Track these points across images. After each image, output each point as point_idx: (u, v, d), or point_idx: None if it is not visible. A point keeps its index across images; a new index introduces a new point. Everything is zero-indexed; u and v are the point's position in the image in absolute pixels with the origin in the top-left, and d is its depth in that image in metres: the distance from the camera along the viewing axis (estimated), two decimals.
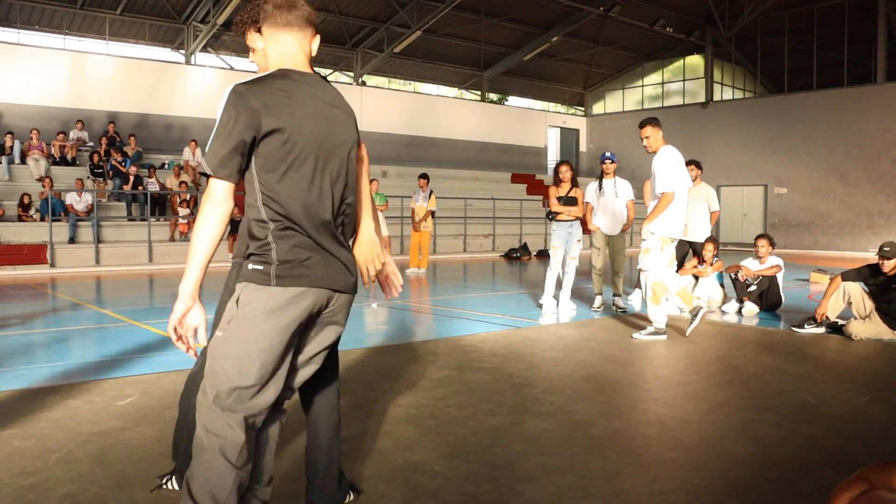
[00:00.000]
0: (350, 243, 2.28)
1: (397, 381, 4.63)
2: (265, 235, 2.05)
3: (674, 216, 6.37)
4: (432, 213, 13.33)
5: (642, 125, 6.53)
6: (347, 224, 2.22)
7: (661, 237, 6.38)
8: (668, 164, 6.35)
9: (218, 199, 1.99)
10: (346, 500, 2.73)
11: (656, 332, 6.33)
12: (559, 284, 8.32)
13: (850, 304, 6.56)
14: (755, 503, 2.78)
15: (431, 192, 13.30)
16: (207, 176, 2.01)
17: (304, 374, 2.25)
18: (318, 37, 2.21)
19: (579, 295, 9.30)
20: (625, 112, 28.81)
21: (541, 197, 22.21)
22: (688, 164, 9.17)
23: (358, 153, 2.29)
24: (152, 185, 16.10)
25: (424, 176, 13.35)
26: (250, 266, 2.07)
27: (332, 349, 2.57)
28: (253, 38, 2.60)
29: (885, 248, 6.27)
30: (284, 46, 2.15)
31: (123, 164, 16.52)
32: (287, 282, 2.02)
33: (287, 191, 2.03)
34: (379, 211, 13.22)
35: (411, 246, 13.35)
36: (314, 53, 2.21)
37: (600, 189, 8.38)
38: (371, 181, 13.70)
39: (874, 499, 1.79)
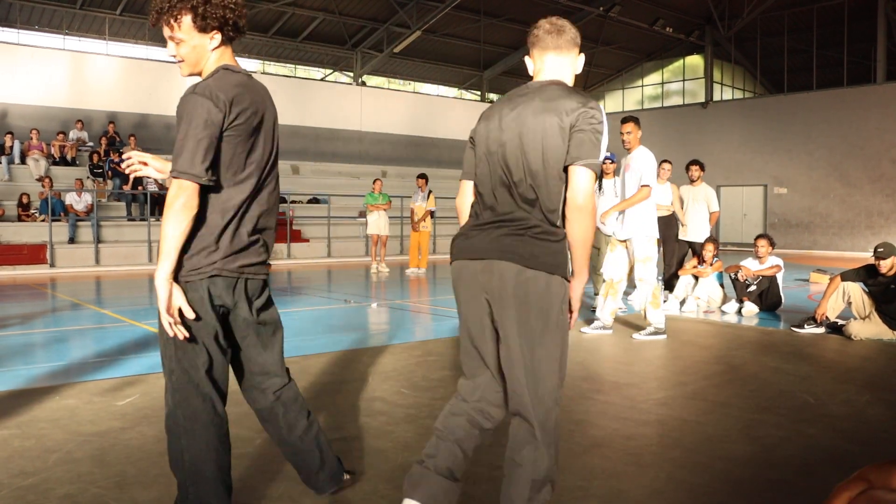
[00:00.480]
0: (522, 233, 2.20)
1: (397, 381, 4.63)
2: None
3: (654, 214, 6.46)
4: (431, 213, 13.35)
5: (626, 121, 6.54)
6: (514, 219, 2.22)
7: (656, 238, 6.45)
8: (651, 163, 6.38)
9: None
10: (345, 478, 2.75)
11: (656, 332, 6.34)
12: None
13: (849, 304, 6.56)
14: (755, 503, 2.78)
15: (430, 191, 13.34)
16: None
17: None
18: (582, 55, 2.34)
19: None
20: (625, 112, 28.80)
21: None
22: (690, 164, 9.22)
23: (569, 169, 2.22)
24: (152, 186, 16.09)
25: (423, 176, 13.38)
26: None
27: (272, 338, 2.53)
28: (188, 28, 2.22)
29: (879, 250, 6.28)
30: (548, 65, 2.30)
31: (122, 164, 16.50)
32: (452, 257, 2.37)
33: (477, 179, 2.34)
34: (382, 210, 13.35)
35: (411, 246, 13.38)
36: (579, 71, 2.35)
37: (600, 189, 8.38)
38: (374, 181, 13.79)
39: (873, 498, 1.79)
